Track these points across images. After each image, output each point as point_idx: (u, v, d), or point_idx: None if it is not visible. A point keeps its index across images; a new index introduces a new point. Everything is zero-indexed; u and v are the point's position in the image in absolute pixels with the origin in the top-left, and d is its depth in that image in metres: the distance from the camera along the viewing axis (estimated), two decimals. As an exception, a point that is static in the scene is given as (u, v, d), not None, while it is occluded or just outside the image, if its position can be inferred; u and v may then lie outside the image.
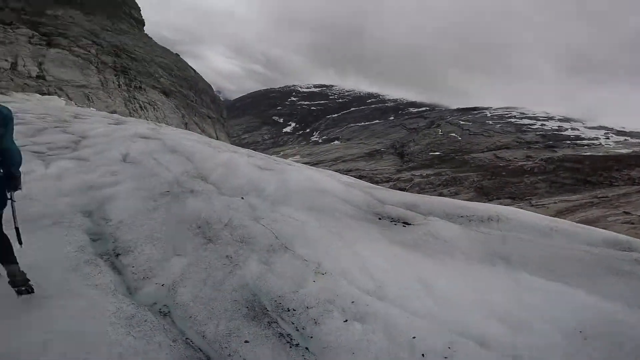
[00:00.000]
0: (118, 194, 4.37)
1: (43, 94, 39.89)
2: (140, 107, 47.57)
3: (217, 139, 47.55)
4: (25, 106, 18.23)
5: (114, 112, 37.05)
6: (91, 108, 37.39)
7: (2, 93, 34.45)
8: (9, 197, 2.43)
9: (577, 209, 30.06)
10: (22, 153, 2.54)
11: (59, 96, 40.38)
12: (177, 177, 5.31)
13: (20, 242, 2.42)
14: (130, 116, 37.81)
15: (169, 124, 40.84)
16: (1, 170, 2.34)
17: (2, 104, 2.45)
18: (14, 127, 2.32)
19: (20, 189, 2.50)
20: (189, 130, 31.59)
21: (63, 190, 4.44)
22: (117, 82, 47.88)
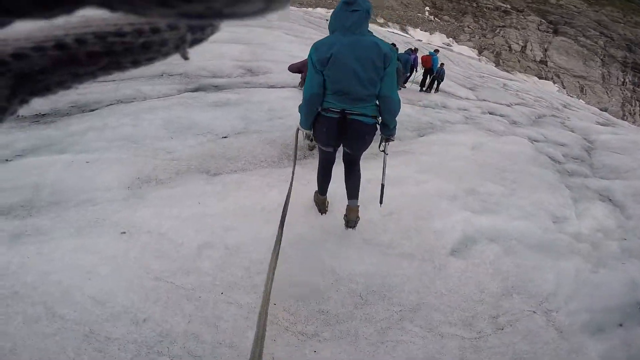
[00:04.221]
0: None
1: (541, 78, 39.84)
2: (642, 111, 36.89)
3: None
4: (525, 86, 17.97)
5: (605, 109, 31.05)
6: (581, 100, 33.05)
7: (507, 71, 37.26)
8: (381, 149, 2.14)
9: None
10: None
11: (554, 82, 38.75)
12: None
13: (381, 202, 2.16)
14: (623, 119, 30.02)
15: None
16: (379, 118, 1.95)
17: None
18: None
19: (392, 139, 2.06)
20: None
21: (597, 302, 2.27)
22: (622, 79, 39.25)
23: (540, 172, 4.12)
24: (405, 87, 9.20)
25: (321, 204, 2.37)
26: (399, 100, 1.90)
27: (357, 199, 2.17)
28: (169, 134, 3.41)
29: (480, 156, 4.11)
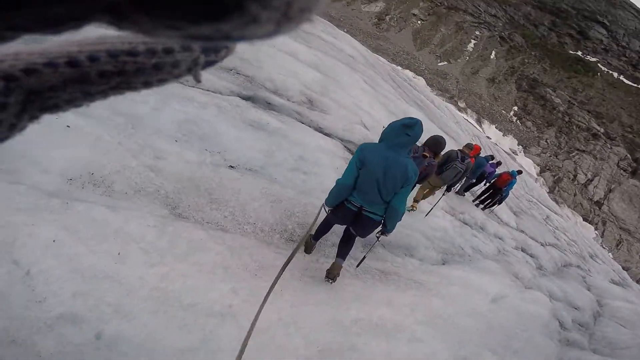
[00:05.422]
0: None
1: (585, 220, 36.12)
2: None
3: None
4: (566, 225, 16.46)
5: (627, 269, 27.98)
6: (610, 254, 30.14)
7: (557, 201, 34.04)
8: (377, 234, 2.36)
9: None
10: None
11: (596, 229, 35.23)
12: None
13: (357, 265, 2.54)
14: (639, 282, 27.12)
15: None
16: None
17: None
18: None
19: (387, 235, 2.32)
20: None
21: None
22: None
23: (544, 344, 3.66)
24: (464, 195, 7.40)
25: (308, 246, 2.58)
26: (403, 213, 2.18)
27: (344, 259, 2.47)
28: (176, 134, 2.88)
29: (497, 314, 3.31)
